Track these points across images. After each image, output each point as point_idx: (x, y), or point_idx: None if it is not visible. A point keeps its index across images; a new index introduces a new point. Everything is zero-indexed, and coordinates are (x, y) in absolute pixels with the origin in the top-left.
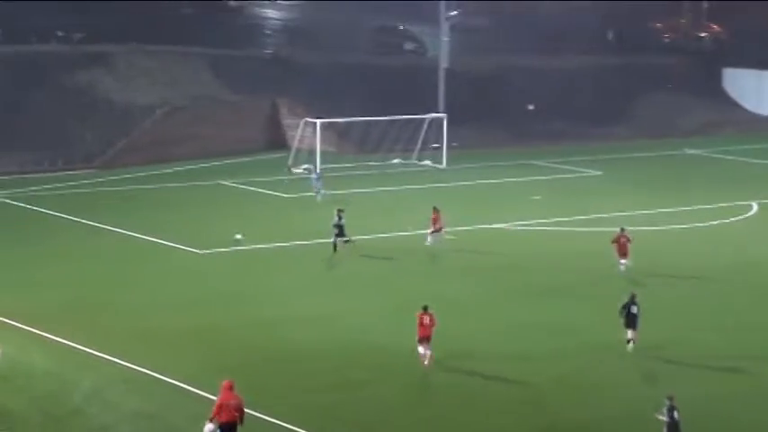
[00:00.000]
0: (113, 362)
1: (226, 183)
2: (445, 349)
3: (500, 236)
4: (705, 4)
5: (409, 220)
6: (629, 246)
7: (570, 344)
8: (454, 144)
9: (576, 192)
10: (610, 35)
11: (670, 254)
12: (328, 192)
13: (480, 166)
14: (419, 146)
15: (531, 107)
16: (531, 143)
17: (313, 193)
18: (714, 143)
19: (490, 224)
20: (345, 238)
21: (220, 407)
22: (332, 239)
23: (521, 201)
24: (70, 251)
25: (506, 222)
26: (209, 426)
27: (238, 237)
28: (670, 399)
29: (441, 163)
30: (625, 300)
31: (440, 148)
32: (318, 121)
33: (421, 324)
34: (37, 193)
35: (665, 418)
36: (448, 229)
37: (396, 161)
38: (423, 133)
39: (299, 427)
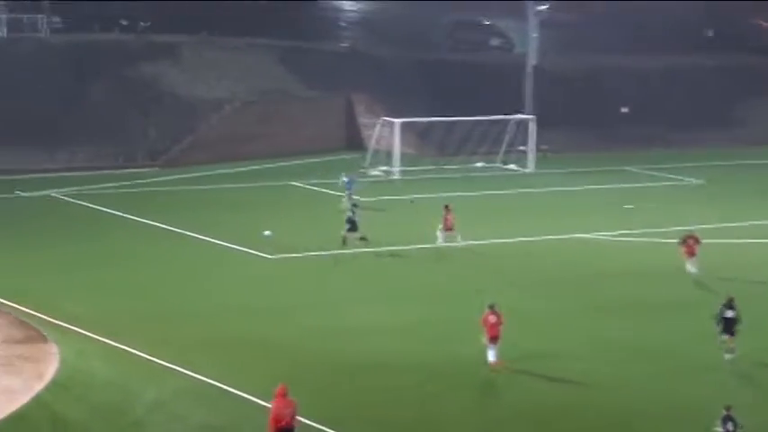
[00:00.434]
0: (179, 371)
1: (297, 184)
2: (524, 366)
3: (587, 246)
4: None
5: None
6: (698, 248)
7: (662, 364)
8: (542, 147)
9: (673, 201)
10: (709, 33)
11: None
12: (361, 198)
13: (568, 172)
14: (504, 149)
15: (624, 110)
16: (623, 148)
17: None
18: None
19: (577, 233)
20: (359, 235)
21: (278, 417)
22: (342, 233)
23: (611, 209)
24: (132, 254)
25: (595, 232)
26: None
27: (267, 233)
28: (727, 409)
29: (527, 167)
30: (721, 305)
31: (526, 152)
32: (397, 121)
33: (486, 324)
34: (97, 192)
35: (720, 430)
36: (523, 239)
37: (479, 164)
38: (508, 135)
39: None
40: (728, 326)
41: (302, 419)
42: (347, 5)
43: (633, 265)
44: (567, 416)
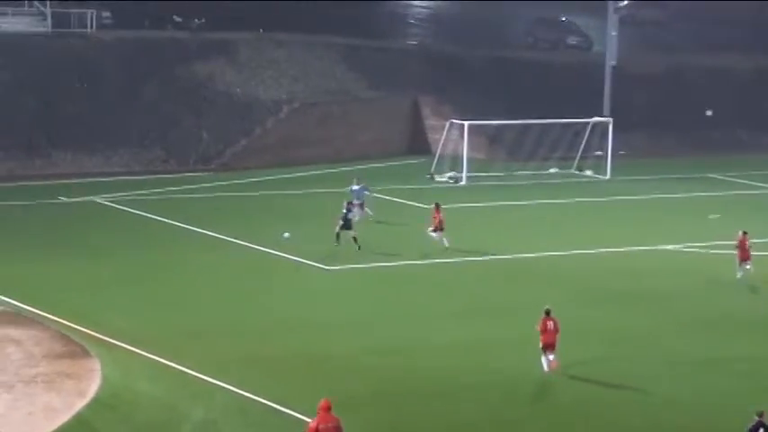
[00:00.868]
0: (228, 389)
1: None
2: (608, 386)
3: (669, 258)
4: None
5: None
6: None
7: (743, 383)
8: (620, 152)
9: (764, 210)
10: None
11: None
12: (371, 213)
13: (649, 179)
14: (580, 154)
15: (708, 112)
16: (708, 153)
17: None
18: None
19: (658, 245)
20: (353, 233)
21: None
22: (336, 230)
23: (695, 219)
24: (181, 264)
25: (677, 243)
26: None
27: (286, 235)
28: (760, 415)
29: (604, 173)
30: None
31: (603, 157)
32: (466, 123)
33: (544, 330)
34: (146, 198)
35: None
36: (600, 250)
37: (553, 170)
38: (584, 139)
39: None
40: None
41: None
42: (416, 1)
43: (717, 278)
44: None
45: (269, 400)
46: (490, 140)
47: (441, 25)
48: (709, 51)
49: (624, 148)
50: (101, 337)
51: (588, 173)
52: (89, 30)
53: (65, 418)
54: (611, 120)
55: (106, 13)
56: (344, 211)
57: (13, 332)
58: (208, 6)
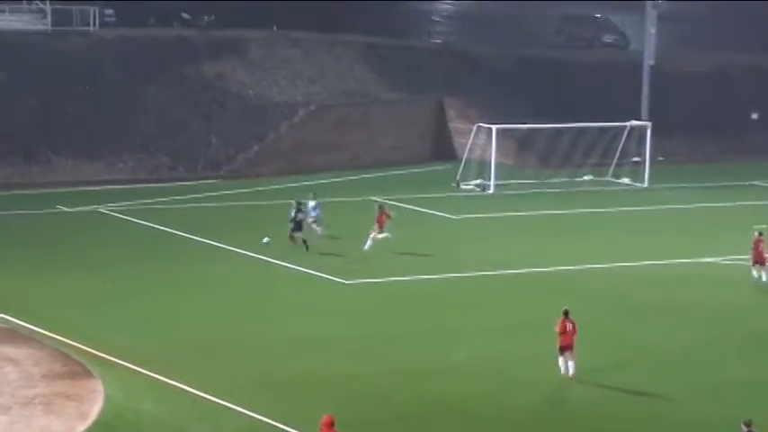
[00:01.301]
0: (237, 411)
1: (379, 199)
2: (645, 407)
3: (711, 272)
4: None
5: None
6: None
7: None
8: (659, 158)
9: None
10: None
11: None
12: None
13: (690, 186)
14: (616, 160)
15: (754, 115)
16: (753, 159)
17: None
18: None
19: (698, 257)
20: (301, 235)
21: None
22: (288, 232)
23: (739, 230)
24: (189, 278)
25: (720, 256)
26: None
27: (266, 240)
28: (748, 425)
29: (642, 181)
30: None
31: (641, 163)
32: (494, 127)
33: (563, 331)
34: (151, 207)
35: None
36: (638, 263)
37: (587, 178)
38: (621, 145)
39: None
40: None
41: None
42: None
43: (762, 293)
44: None
45: (281, 423)
46: (520, 146)
47: (467, 22)
48: (755, 49)
49: (663, 153)
50: (103, 355)
51: (625, 180)
52: (91, 28)
53: None
54: (649, 123)
55: (109, 11)
56: (293, 212)
57: (10, 351)
58: (217, 2)
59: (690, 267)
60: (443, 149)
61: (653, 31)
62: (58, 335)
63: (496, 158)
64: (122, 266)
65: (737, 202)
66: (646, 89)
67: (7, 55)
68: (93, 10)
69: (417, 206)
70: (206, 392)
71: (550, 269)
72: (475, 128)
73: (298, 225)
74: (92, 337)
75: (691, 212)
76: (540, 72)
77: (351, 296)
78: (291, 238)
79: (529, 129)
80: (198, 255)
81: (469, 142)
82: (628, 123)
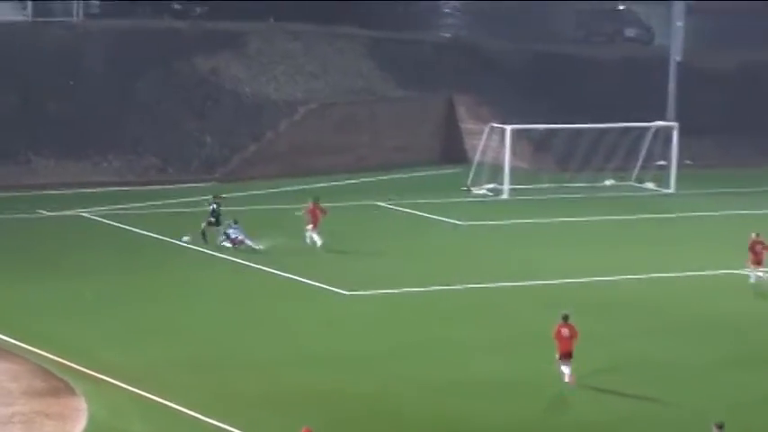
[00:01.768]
0: None
1: (383, 204)
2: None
3: (740, 284)
4: None
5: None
6: (765, 254)
7: None
8: (686, 162)
9: None
10: None
11: None
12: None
13: (720, 192)
14: (640, 163)
15: None
16: None
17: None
18: None
19: (728, 268)
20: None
21: None
22: (202, 227)
23: None
24: (180, 288)
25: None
26: None
27: (185, 239)
28: (720, 426)
29: (668, 186)
30: None
31: (667, 167)
32: (508, 128)
33: (559, 337)
34: (139, 211)
35: None
36: (662, 275)
37: (608, 183)
38: (645, 147)
39: None
40: None
41: None
42: None
43: None
44: None
45: None
46: (536, 147)
47: (479, 15)
48: None
49: (691, 157)
50: (86, 371)
51: (649, 185)
52: (75, 18)
53: None
54: (675, 124)
55: (94, 1)
56: (212, 206)
57: None
58: None
59: (718, 279)
60: (454, 151)
61: (680, 24)
62: (38, 348)
63: (511, 161)
64: (108, 275)
65: None
66: (672, 87)
67: None
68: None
69: (425, 212)
70: (199, 412)
71: (566, 281)
72: (487, 128)
73: (217, 220)
74: (75, 351)
75: (721, 220)
76: (558, 68)
77: (352, 308)
78: (204, 234)
79: (546, 129)
80: (189, 263)
81: (482, 144)
82: (653, 124)
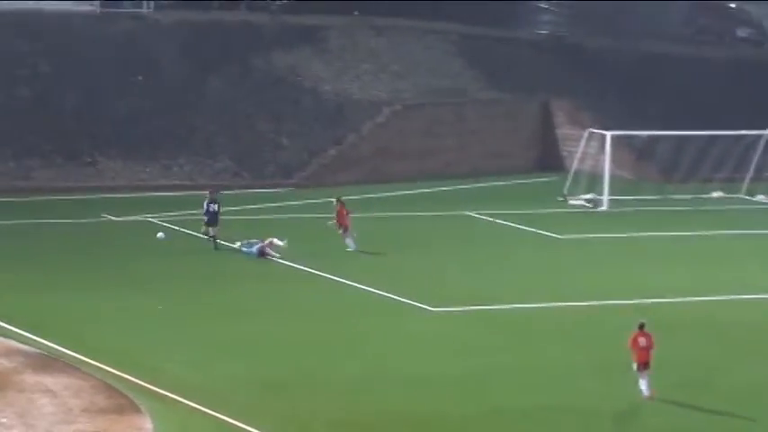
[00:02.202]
0: None
1: (473, 214)
2: None
3: None
4: None
5: None
6: None
7: None
8: None
9: None
10: None
11: None
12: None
13: None
14: (751, 174)
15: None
16: None
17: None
18: None
19: None
20: (215, 231)
21: None
22: (202, 230)
23: None
24: (256, 302)
25: None
26: None
27: (160, 235)
28: None
29: None
30: None
31: None
32: (609, 134)
33: (636, 347)
34: None
35: None
36: (745, 296)
37: (716, 195)
38: (757, 156)
39: None
40: None
41: None
42: None
43: None
44: None
45: None
46: (638, 155)
47: (579, 11)
48: None
49: None
50: (153, 388)
51: (761, 198)
52: (145, 10)
53: None
54: None
55: None
56: (206, 204)
57: (47, 380)
58: None
59: None
60: (549, 158)
61: None
62: (101, 363)
63: (611, 170)
64: (179, 286)
65: None
66: None
67: (49, 40)
68: None
69: (517, 223)
70: None
71: (673, 300)
72: (586, 134)
73: (212, 218)
74: (140, 367)
75: None
76: (664, 70)
77: (437, 325)
78: (207, 233)
79: (649, 136)
80: (263, 275)
81: (580, 151)
82: (766, 131)
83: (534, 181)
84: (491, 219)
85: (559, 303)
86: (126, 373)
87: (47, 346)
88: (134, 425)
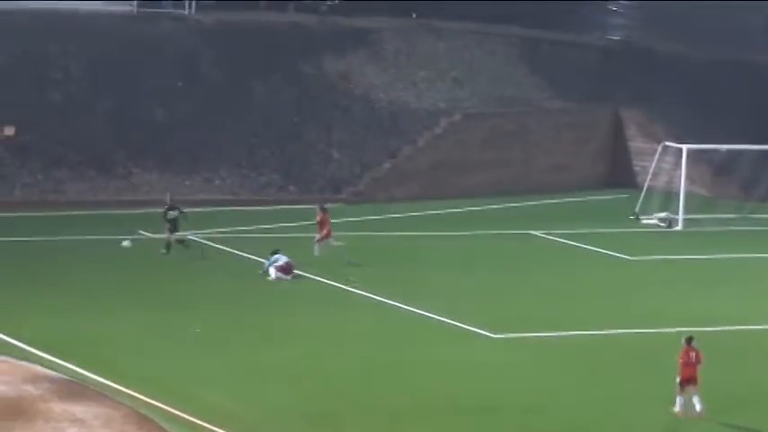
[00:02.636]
0: None
1: (537, 233)
2: None
3: None
4: None
5: None
6: None
7: None
8: None
9: None
10: None
11: None
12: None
13: None
14: None
15: None
16: None
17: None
18: None
19: None
20: (180, 236)
21: None
22: (165, 235)
23: None
24: (298, 324)
25: None
26: None
27: (125, 243)
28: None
29: None
30: None
31: None
32: (685, 148)
33: (686, 361)
34: (253, 234)
35: None
36: None
37: None
38: None
39: None
40: None
41: None
42: None
43: None
44: None
45: None
46: (716, 171)
47: (653, 14)
48: None
49: None
50: (188, 417)
51: None
52: (186, 11)
53: None
54: None
55: None
56: (164, 211)
57: (75, 409)
58: None
59: None
60: (619, 173)
61: None
62: (134, 390)
63: (686, 186)
64: (219, 308)
65: None
66: None
67: (83, 42)
68: None
69: (586, 243)
70: None
71: (750, 327)
72: (660, 148)
73: (173, 225)
74: (175, 394)
75: None
76: (746, 79)
77: (498, 352)
78: (169, 245)
79: (728, 150)
80: (310, 297)
81: (653, 166)
82: None
83: (603, 198)
84: (556, 238)
85: (630, 330)
86: (159, 402)
87: (75, 371)
88: None
